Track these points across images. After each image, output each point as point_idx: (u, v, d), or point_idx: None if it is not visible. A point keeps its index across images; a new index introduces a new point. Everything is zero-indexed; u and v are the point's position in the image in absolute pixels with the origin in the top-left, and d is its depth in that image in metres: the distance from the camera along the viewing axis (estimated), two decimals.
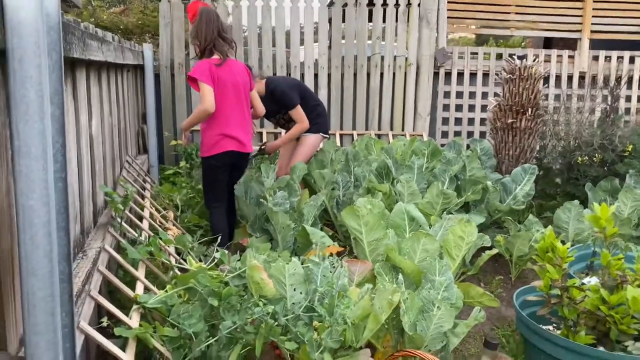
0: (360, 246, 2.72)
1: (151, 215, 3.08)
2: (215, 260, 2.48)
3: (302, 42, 5.27)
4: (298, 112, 3.77)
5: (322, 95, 5.23)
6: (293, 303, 2.10)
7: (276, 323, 1.96)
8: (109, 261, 2.36)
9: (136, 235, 2.48)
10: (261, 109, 3.37)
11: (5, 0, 1.01)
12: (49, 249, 1.10)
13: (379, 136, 5.38)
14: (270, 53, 5.15)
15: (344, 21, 5.30)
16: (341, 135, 5.35)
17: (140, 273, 2.26)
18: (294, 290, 2.11)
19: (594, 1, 5.63)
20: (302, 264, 2.50)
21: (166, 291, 2.16)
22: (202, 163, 3.26)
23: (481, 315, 2.21)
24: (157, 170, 4.48)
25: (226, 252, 2.49)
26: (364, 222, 2.65)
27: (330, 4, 5.34)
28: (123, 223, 2.48)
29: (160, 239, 2.45)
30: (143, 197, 3.24)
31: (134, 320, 1.91)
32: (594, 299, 2.33)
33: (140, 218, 2.91)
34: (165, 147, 5.00)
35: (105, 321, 1.81)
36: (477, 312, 2.23)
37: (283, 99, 3.74)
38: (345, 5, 5.26)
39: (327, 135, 4.11)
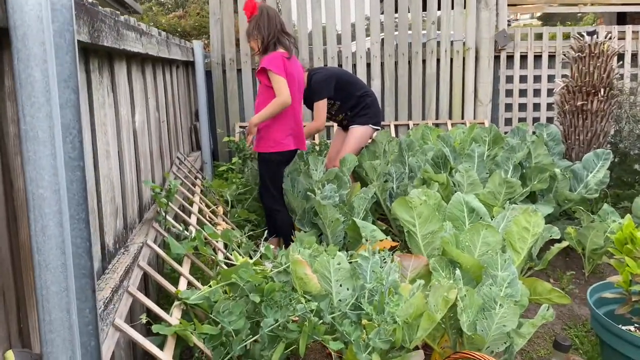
0: (414, 240, 2.54)
1: (200, 210, 3.05)
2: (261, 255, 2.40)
3: (353, 35, 5.11)
4: (319, 107, 3.57)
5: (375, 86, 5.06)
6: (339, 300, 1.97)
7: (321, 321, 1.84)
8: (156, 257, 2.33)
9: (181, 229, 2.43)
10: None
11: None
12: (61, 240, 1.02)
13: (436, 125, 5.14)
14: (321, 45, 5.03)
15: (396, 11, 5.09)
16: (396, 126, 5.15)
17: (184, 268, 2.21)
18: (340, 286, 1.98)
19: None
20: (350, 258, 2.37)
21: (210, 287, 2.09)
22: (261, 159, 3.18)
23: (549, 313, 1.98)
24: (211, 166, 4.48)
25: (272, 246, 2.40)
26: (417, 213, 2.47)
27: None
28: (168, 217, 2.44)
29: (205, 233, 2.39)
30: (193, 192, 3.22)
31: (174, 317, 1.84)
32: None
33: (189, 213, 2.88)
34: (219, 143, 5.01)
35: (144, 318, 1.75)
36: (544, 310, 2.01)
37: (314, 90, 3.59)
38: None
39: (378, 127, 3.93)
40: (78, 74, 1.13)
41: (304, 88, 3.31)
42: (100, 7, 1.70)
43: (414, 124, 5.05)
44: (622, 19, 7.77)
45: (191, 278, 2.16)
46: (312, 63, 4.99)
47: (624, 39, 5.16)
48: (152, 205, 2.64)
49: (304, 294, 1.96)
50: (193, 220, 2.75)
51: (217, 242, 2.61)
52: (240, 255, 2.44)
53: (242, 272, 1.95)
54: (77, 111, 1.14)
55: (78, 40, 1.41)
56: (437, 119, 5.19)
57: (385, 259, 2.33)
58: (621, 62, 5.05)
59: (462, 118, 5.17)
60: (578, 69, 3.79)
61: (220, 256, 2.50)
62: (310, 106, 3.67)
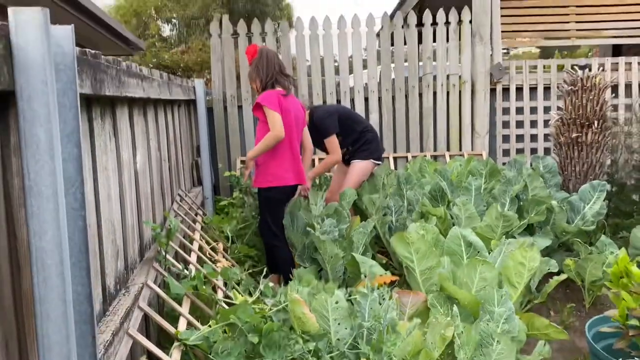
0: (413, 275, 2.57)
1: (200, 248, 3.08)
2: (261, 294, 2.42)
3: (351, 69, 5.23)
4: (331, 142, 3.69)
5: (374, 119, 5.14)
6: (337, 339, 1.98)
7: None
8: (157, 296, 2.35)
9: (181, 269, 2.46)
10: (310, 145, 3.52)
11: (12, 39, 1.00)
12: (62, 290, 1.06)
13: (435, 157, 5.20)
14: (320, 81, 5.14)
15: (392, 44, 5.22)
16: (395, 159, 5.21)
17: (184, 308, 2.23)
18: (338, 324, 2.00)
19: None
20: (350, 295, 2.39)
21: (209, 327, 2.11)
22: (261, 194, 3.25)
23: (546, 350, 1.99)
24: (212, 201, 4.52)
25: (270, 284, 2.42)
26: (415, 249, 2.50)
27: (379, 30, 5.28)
28: (168, 257, 2.47)
29: (204, 272, 2.42)
30: (193, 230, 3.25)
31: (174, 358, 1.86)
32: None
33: (190, 251, 2.91)
34: (220, 178, 5.07)
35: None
36: (541, 346, 2.02)
37: (320, 128, 3.70)
38: (393, 26, 5.19)
39: (379, 162, 3.99)
40: (80, 129, 1.19)
41: (303, 126, 3.38)
42: (102, 58, 1.77)
43: (412, 156, 5.11)
44: (617, 50, 7.91)
45: (191, 318, 2.18)
46: (311, 100, 5.09)
47: (617, 70, 5.26)
48: (152, 244, 2.68)
49: (302, 334, 1.98)
50: (193, 258, 2.78)
51: (217, 280, 2.64)
52: (239, 293, 2.47)
53: (241, 313, 1.97)
54: (79, 164, 1.19)
55: (80, 93, 1.48)
56: (435, 151, 5.25)
57: (384, 295, 2.36)
58: (614, 94, 5.13)
59: (460, 150, 5.23)
60: (572, 102, 3.86)
61: (220, 295, 2.52)
62: (319, 145, 3.77)
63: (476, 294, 2.30)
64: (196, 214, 3.63)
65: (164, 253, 2.44)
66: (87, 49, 1.62)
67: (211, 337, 2.02)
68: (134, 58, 12.14)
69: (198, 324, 2.20)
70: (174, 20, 18.52)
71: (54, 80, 1.08)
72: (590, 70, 3.97)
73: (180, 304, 2.27)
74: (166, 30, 18.80)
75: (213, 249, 3.20)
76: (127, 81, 2.06)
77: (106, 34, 9.22)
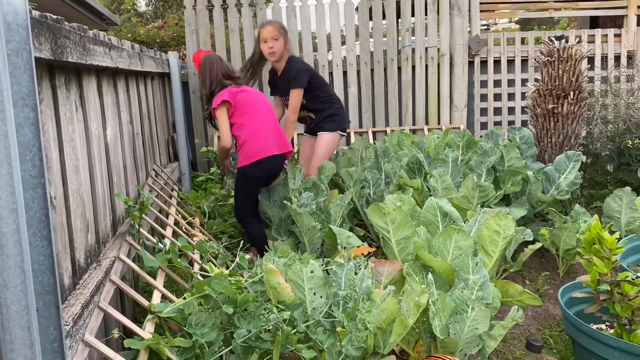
0: (389, 245, 2.57)
1: (177, 222, 3.04)
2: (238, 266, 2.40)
3: (329, 42, 5.16)
4: (295, 95, 3.64)
5: (352, 93, 5.10)
6: (313, 308, 1.98)
7: (294, 330, 1.85)
8: (132, 271, 2.32)
9: (155, 242, 2.42)
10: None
11: None
12: (20, 259, 1.02)
13: (414, 131, 5.20)
14: (297, 54, 5.06)
15: (371, 18, 5.15)
16: (374, 133, 5.20)
17: (158, 282, 2.20)
18: (314, 294, 1.99)
19: None
20: (326, 266, 2.39)
21: (184, 299, 2.09)
22: (240, 172, 3.23)
23: (519, 315, 2.02)
24: (189, 177, 4.47)
25: (247, 256, 2.40)
26: (391, 219, 2.50)
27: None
28: (142, 230, 2.43)
29: (179, 245, 2.39)
30: (169, 205, 3.21)
31: (147, 331, 1.84)
32: None
33: (165, 226, 2.87)
34: (198, 154, 5.00)
35: (116, 332, 1.75)
36: (514, 311, 2.04)
37: (294, 76, 3.66)
38: None
39: (344, 134, 3.96)
40: (37, 92, 1.14)
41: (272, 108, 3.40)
42: (65, 23, 1.70)
43: (391, 130, 5.09)
44: (594, 22, 7.94)
45: (165, 291, 2.16)
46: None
47: (593, 42, 5.28)
48: (126, 218, 2.63)
49: (277, 304, 1.97)
50: (168, 232, 2.74)
51: (193, 254, 2.61)
52: (215, 266, 2.44)
53: (215, 284, 1.95)
54: (36, 129, 1.14)
55: (40, 58, 1.42)
56: (414, 124, 5.25)
57: (360, 265, 2.36)
58: (591, 66, 5.16)
59: (439, 123, 5.24)
60: (548, 73, 3.86)
61: (196, 268, 2.50)
62: (285, 92, 3.73)
63: (451, 262, 2.31)
64: (172, 189, 3.58)
65: (137, 227, 2.39)
66: (48, 14, 1.55)
67: (186, 310, 2.00)
68: (109, 34, 11.79)
69: (173, 297, 2.18)
70: None
71: (4, 39, 1.02)
72: (567, 41, 3.96)
73: (154, 277, 2.24)
74: (142, 5, 18.36)
75: (189, 223, 3.17)
76: (93, 49, 1.98)
77: (79, 9, 8.96)
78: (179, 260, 2.30)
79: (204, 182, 4.47)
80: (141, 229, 2.43)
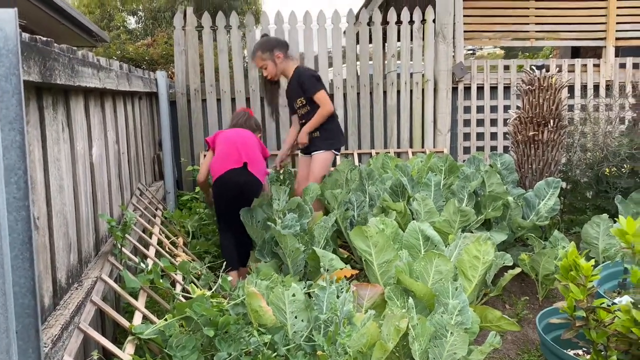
0: (371, 269, 2.60)
1: (160, 242, 3.04)
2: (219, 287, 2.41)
3: (316, 65, 5.24)
4: (321, 96, 3.67)
5: (339, 115, 5.15)
6: (294, 332, 1.99)
7: (275, 353, 1.86)
8: (114, 291, 2.31)
9: (137, 262, 2.42)
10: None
11: None
12: (1, 281, 1.03)
13: (398, 154, 5.27)
14: None
15: (358, 42, 5.25)
16: (359, 155, 5.25)
17: (139, 302, 2.20)
18: (295, 317, 2.01)
19: (618, 7, 5.44)
20: (309, 288, 2.40)
21: (166, 320, 2.09)
22: None
23: (497, 340, 2.05)
24: (174, 196, 4.47)
25: (229, 278, 2.41)
26: (373, 242, 2.53)
27: (356, 23, 5.29)
28: (125, 250, 2.43)
29: (162, 265, 2.39)
30: (153, 224, 3.21)
31: (127, 352, 1.83)
32: (624, 320, 2.14)
33: (148, 245, 2.87)
34: (183, 173, 5.01)
35: (95, 354, 1.74)
36: (492, 337, 2.07)
37: (308, 83, 3.68)
38: (358, 24, 5.22)
39: (338, 153, 4.01)
40: (24, 116, 1.16)
41: (246, 134, 3.46)
42: (55, 45, 1.73)
43: (376, 153, 5.15)
44: (576, 52, 8.17)
45: (146, 312, 2.16)
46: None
47: (573, 71, 5.43)
48: (109, 237, 2.63)
49: (259, 327, 1.98)
50: (151, 252, 2.74)
51: (176, 274, 2.61)
52: (198, 287, 2.45)
53: (196, 306, 1.96)
54: (22, 152, 1.16)
55: (28, 81, 1.44)
56: (398, 147, 5.32)
57: (342, 288, 2.38)
58: (571, 95, 5.30)
59: (423, 147, 5.31)
60: (529, 101, 3.96)
61: (178, 289, 2.50)
62: (293, 99, 3.82)
63: (432, 287, 2.34)
64: (156, 209, 3.58)
65: (119, 247, 2.40)
66: (38, 36, 1.58)
67: (167, 331, 2.00)
68: (98, 50, 11.82)
69: (154, 318, 2.18)
70: (140, 13, 18.15)
71: None
72: (547, 70, 4.08)
73: (136, 298, 2.24)
74: (132, 22, 18.41)
75: (173, 243, 3.17)
76: (81, 70, 2.01)
77: (68, 25, 8.99)
78: (161, 280, 2.30)
79: (188, 201, 4.47)
80: (124, 249, 2.43)
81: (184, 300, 2.36)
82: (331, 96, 5.14)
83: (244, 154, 3.16)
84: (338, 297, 2.25)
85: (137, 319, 2.11)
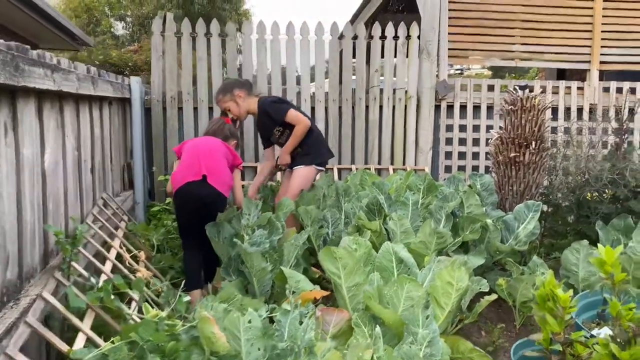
0: (340, 292, 2.45)
1: (120, 256, 2.87)
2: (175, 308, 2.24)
3: (298, 77, 5.13)
4: (292, 115, 3.66)
5: (320, 128, 5.02)
6: None
7: None
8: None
9: (87, 278, 2.25)
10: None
11: None
12: None
13: (379, 170, 5.16)
14: (266, 87, 5.01)
15: (341, 56, 5.16)
16: (339, 170, 5.13)
17: (85, 323, 2.03)
18: (251, 345, 1.85)
19: (603, 31, 5.42)
20: (272, 312, 2.26)
21: (112, 343, 1.92)
22: None
23: None
24: (143, 207, 4.29)
25: (185, 299, 2.25)
26: (342, 264, 2.39)
27: (340, 37, 5.20)
28: (76, 265, 2.26)
29: (113, 283, 2.22)
30: (114, 237, 3.04)
31: None
32: (602, 354, 2.03)
33: (105, 260, 2.70)
34: (156, 182, 4.84)
35: None
36: None
37: (274, 111, 3.67)
38: (342, 37, 5.14)
39: (321, 168, 3.89)
40: None
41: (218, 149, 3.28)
42: None
43: (356, 168, 5.04)
44: (561, 74, 8.18)
45: (91, 334, 1.99)
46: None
47: (557, 93, 5.39)
48: (61, 251, 2.46)
49: (211, 355, 1.82)
50: (107, 267, 2.57)
51: (132, 291, 2.44)
52: (153, 307, 2.28)
53: (143, 330, 1.80)
54: None
55: None
56: (379, 164, 5.21)
57: (307, 313, 2.23)
58: (555, 117, 5.25)
59: (404, 164, 5.21)
60: (511, 122, 3.88)
61: (133, 308, 2.33)
62: (269, 133, 3.78)
63: (402, 314, 2.21)
64: (120, 220, 3.40)
65: (68, 261, 2.23)
66: None
67: (111, 356, 1.83)
68: (82, 54, 11.63)
69: (100, 341, 2.01)
70: (128, 19, 17.98)
71: None
72: (531, 91, 4.01)
73: (83, 317, 2.07)
74: (119, 28, 18.23)
75: (134, 257, 2.99)
76: (29, 70, 1.86)
77: (50, 28, 8.77)
78: (111, 299, 2.13)
79: (159, 212, 4.30)
80: (74, 264, 2.26)
81: (138, 320, 2.20)
82: (312, 109, 5.05)
83: (204, 166, 2.99)
84: (301, 322, 2.11)
85: (80, 342, 1.94)
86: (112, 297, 2.22)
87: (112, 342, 1.91)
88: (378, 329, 2.03)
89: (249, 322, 1.84)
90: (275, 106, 3.73)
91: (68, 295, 2.01)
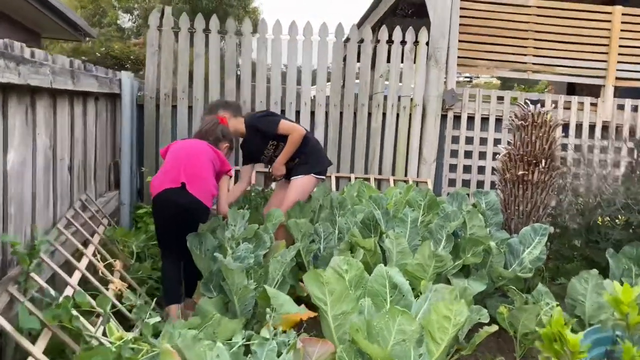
0: (326, 320, 2.23)
1: (91, 266, 2.66)
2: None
3: (299, 79, 4.92)
4: (284, 126, 3.46)
5: (319, 134, 4.84)
6: None
7: None
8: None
9: (44, 293, 2.04)
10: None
11: None
12: None
13: (379, 181, 4.94)
14: (264, 87, 4.80)
15: (344, 59, 4.95)
16: (337, 179, 4.91)
17: (37, 345, 1.82)
18: None
19: (620, 46, 5.19)
20: (249, 340, 2.05)
21: None
22: None
23: None
24: (129, 208, 4.09)
25: (154, 320, 2.04)
26: (329, 290, 2.17)
27: (346, 40, 4.98)
28: (36, 277, 2.05)
29: (74, 300, 2.01)
30: (88, 244, 2.83)
31: None
32: None
33: (74, 270, 2.49)
34: (146, 183, 4.63)
35: None
36: None
37: (264, 125, 3.47)
38: (347, 40, 4.92)
39: (321, 177, 3.67)
40: None
41: (198, 147, 3.05)
42: None
43: (355, 178, 4.82)
44: (571, 89, 7.93)
45: (42, 358, 1.78)
46: (253, 106, 4.75)
47: (569, 109, 5.16)
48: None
49: None
50: (74, 279, 2.36)
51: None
52: (118, 328, 2.07)
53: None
54: None
55: None
56: (380, 174, 4.99)
57: (288, 342, 2.03)
58: (566, 134, 5.02)
59: (406, 175, 4.99)
60: (520, 138, 3.66)
61: (99, 328, 2.12)
62: (262, 149, 3.56)
63: (392, 349, 1.99)
64: (99, 224, 3.19)
65: (27, 273, 2.02)
66: None
67: None
68: (84, 46, 11.46)
69: None
70: (135, 12, 17.81)
71: None
72: (542, 105, 3.79)
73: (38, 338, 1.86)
74: (125, 20, 18.06)
75: (109, 266, 2.78)
76: None
77: (53, 18, 8.59)
78: (70, 318, 1.92)
79: (145, 215, 4.09)
80: (34, 276, 2.05)
81: (102, 342, 1.99)
82: (312, 113, 4.84)
83: (183, 173, 2.77)
84: (280, 354, 1.90)
85: None
86: (76, 314, 2.02)
87: None
88: None
89: (217, 356, 1.63)
90: (265, 120, 3.53)
91: (19, 313, 1.80)
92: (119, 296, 2.60)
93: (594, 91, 5.37)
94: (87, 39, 10.52)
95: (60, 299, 2.02)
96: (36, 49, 2.31)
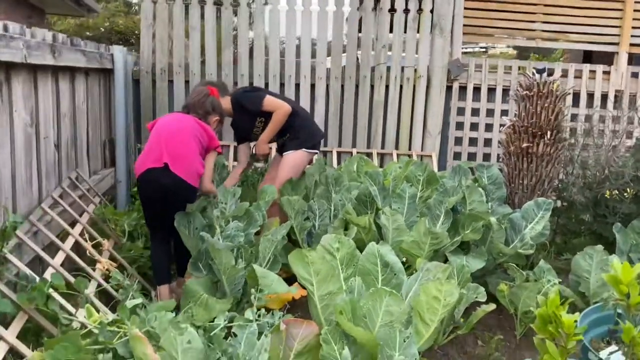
0: (312, 301, 2.16)
1: (77, 245, 2.61)
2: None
3: (297, 53, 4.77)
4: (269, 102, 3.33)
5: (319, 108, 4.71)
6: None
7: None
8: None
9: (18, 274, 1.99)
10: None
11: None
12: None
13: (382, 155, 4.82)
14: (263, 60, 4.67)
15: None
16: (339, 153, 4.80)
17: (11, 330, 1.77)
18: None
19: (635, 10, 4.93)
20: (231, 321, 1.99)
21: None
22: None
23: None
24: (126, 186, 4.03)
25: (133, 302, 1.98)
26: (315, 270, 2.10)
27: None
28: (13, 258, 2.00)
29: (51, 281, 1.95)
30: (76, 223, 2.77)
31: None
32: None
33: (58, 250, 2.44)
34: None
35: None
36: None
37: (248, 101, 3.33)
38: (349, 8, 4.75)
39: (314, 151, 3.55)
40: None
41: (183, 123, 2.93)
42: None
43: (358, 152, 4.70)
44: (588, 57, 7.63)
45: (16, 343, 1.73)
46: (251, 80, 4.63)
47: (580, 77, 4.95)
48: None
49: None
50: (57, 260, 2.31)
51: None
52: (96, 310, 2.02)
53: (63, 346, 1.53)
54: None
55: None
56: (383, 148, 4.86)
57: (271, 324, 1.97)
58: (576, 104, 4.83)
59: (410, 149, 4.85)
60: (525, 108, 3.51)
61: (81, 311, 2.07)
62: (251, 126, 3.44)
63: (378, 331, 1.92)
64: (89, 203, 3.14)
65: (5, 254, 1.97)
66: None
67: None
68: (87, 21, 11.34)
69: (26, 352, 1.76)
70: None
71: None
72: (550, 74, 3.61)
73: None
74: None
75: (97, 246, 2.73)
76: None
77: None
78: (45, 301, 1.87)
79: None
80: (11, 257, 2.00)
81: (93, 328, 1.93)
82: (312, 86, 4.71)
83: (166, 152, 2.67)
84: (262, 335, 1.83)
85: (2, 351, 1.69)
86: (56, 296, 1.98)
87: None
88: (346, 350, 1.75)
89: (188, 342, 1.57)
90: (249, 95, 3.40)
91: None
92: (108, 276, 2.56)
93: (611, 60, 5.14)
94: (95, 14, 10.35)
95: (38, 280, 1.97)
96: (15, 23, 2.22)
